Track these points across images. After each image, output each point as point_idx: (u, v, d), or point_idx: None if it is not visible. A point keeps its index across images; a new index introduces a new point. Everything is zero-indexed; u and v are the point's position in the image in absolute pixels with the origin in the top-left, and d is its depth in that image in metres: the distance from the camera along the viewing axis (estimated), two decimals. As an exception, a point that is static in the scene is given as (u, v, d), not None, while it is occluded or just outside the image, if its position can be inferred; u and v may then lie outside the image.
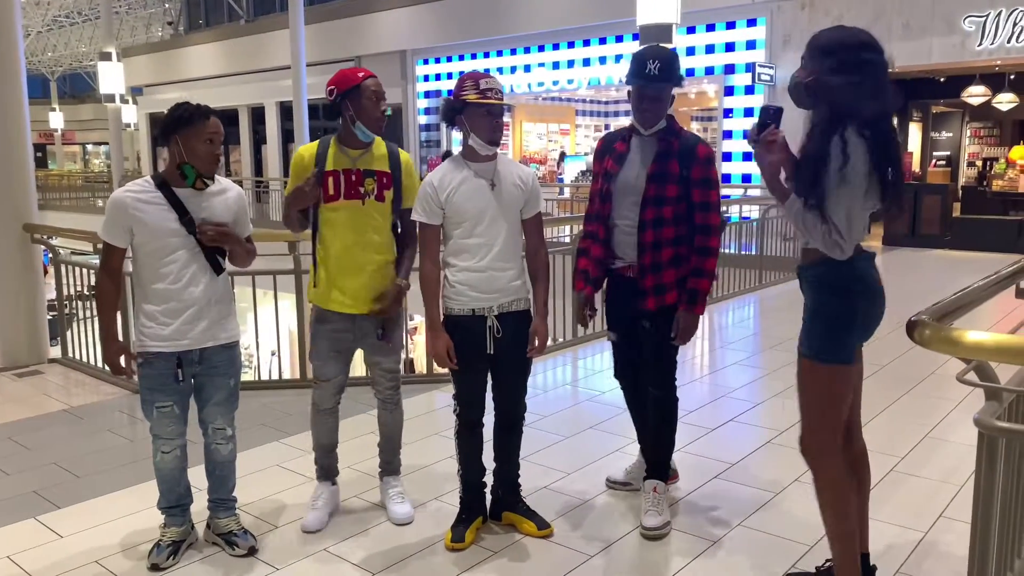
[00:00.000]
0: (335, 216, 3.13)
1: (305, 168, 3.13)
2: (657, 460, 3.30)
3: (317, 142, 3.20)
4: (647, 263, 3.08)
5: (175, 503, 3.06)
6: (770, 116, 2.47)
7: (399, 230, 3.28)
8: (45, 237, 6.24)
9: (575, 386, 5.44)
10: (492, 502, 3.27)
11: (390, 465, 3.42)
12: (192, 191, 2.89)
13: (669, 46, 9.01)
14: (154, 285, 2.89)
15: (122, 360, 2.95)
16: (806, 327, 2.47)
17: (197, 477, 3.18)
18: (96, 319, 5.96)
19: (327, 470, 3.40)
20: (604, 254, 3.21)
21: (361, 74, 3.11)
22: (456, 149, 3.42)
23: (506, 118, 18.27)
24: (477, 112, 2.92)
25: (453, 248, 3.02)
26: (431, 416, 4.70)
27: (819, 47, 2.37)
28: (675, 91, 3.11)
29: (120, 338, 3.04)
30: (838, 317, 2.40)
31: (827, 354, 2.42)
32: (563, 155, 18.67)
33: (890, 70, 2.35)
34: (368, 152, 3.15)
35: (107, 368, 3.00)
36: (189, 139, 2.82)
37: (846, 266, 2.38)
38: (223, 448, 3.10)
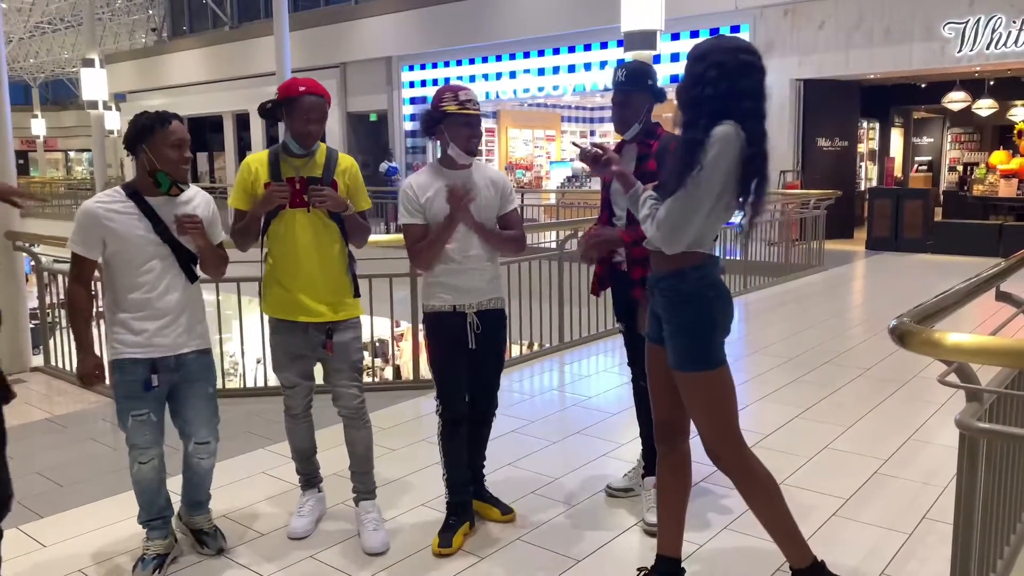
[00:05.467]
0: (284, 226, 3.10)
1: (254, 177, 3.10)
2: (653, 456, 3.33)
3: (266, 152, 3.19)
4: (637, 256, 3.17)
5: (156, 516, 3.02)
6: (588, 158, 2.66)
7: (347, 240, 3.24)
8: (27, 244, 6.20)
9: (561, 391, 5.44)
10: None
11: (364, 487, 3.28)
12: (164, 199, 2.89)
13: (653, 53, 9.06)
14: (129, 295, 2.87)
15: (96, 373, 2.92)
16: (672, 344, 2.49)
17: (177, 485, 3.16)
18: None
19: (309, 477, 3.38)
20: (609, 253, 3.34)
21: (302, 88, 3.06)
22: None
23: (491, 124, 18.34)
24: (457, 122, 3.03)
25: None
26: (417, 422, 4.69)
27: (694, 54, 2.45)
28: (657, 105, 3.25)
29: (96, 350, 3.00)
30: (701, 326, 2.46)
31: (703, 362, 2.47)
32: None
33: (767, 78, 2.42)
34: (312, 160, 3.14)
35: (81, 380, 2.96)
36: (156, 147, 2.81)
37: (698, 274, 2.44)
38: (205, 463, 3.08)
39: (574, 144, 2.81)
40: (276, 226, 3.13)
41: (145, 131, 2.82)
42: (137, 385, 2.89)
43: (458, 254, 3.09)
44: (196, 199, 3.00)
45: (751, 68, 2.37)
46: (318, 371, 3.32)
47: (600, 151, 2.65)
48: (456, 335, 3.11)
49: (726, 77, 2.33)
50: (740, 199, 2.39)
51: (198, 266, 3.02)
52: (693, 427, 2.63)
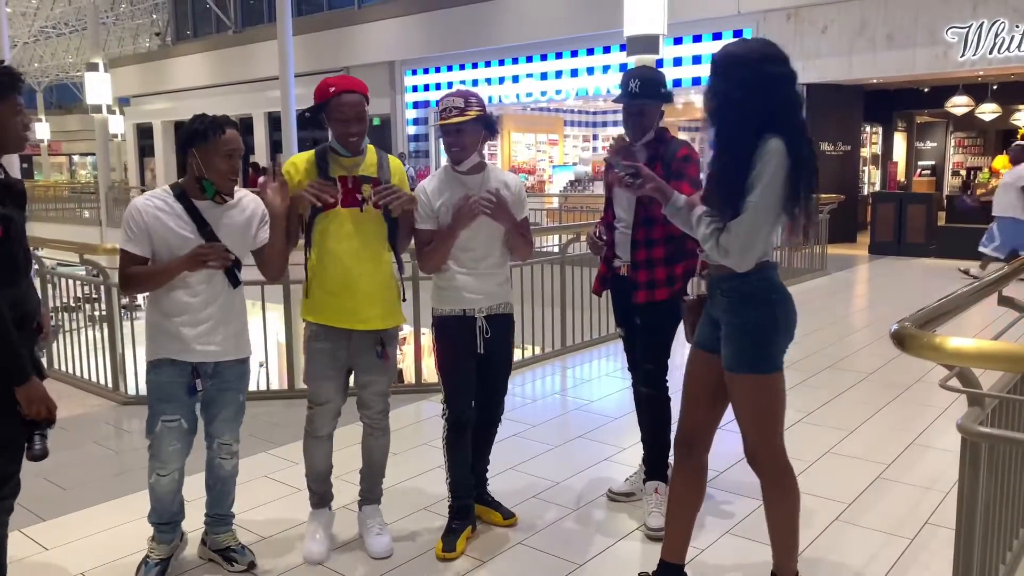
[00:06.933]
0: (333, 225, 2.98)
1: (301, 177, 2.99)
2: (653, 460, 3.38)
3: (312, 152, 3.07)
4: (640, 259, 3.22)
5: (168, 520, 2.98)
6: (623, 183, 2.61)
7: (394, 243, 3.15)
8: (31, 248, 6.21)
9: (563, 395, 5.45)
10: None
11: (371, 494, 3.26)
12: (210, 203, 2.82)
13: (656, 57, 9.07)
14: (172, 299, 2.80)
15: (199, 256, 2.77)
16: (732, 345, 2.47)
17: (191, 488, 3.13)
18: (81, 332, 5.97)
19: (323, 497, 3.24)
20: (610, 255, 3.38)
21: (332, 89, 2.94)
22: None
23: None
24: (441, 132, 3.04)
25: None
26: (419, 426, 4.69)
27: (720, 64, 2.38)
28: (664, 106, 3.25)
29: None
30: (764, 328, 2.44)
31: (764, 365, 2.45)
32: None
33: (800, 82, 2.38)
34: (363, 159, 3.05)
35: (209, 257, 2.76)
36: (207, 154, 2.73)
37: (759, 277, 2.43)
38: (227, 464, 3.03)
39: (606, 160, 2.78)
40: (323, 225, 3.00)
41: (198, 136, 2.73)
42: (174, 387, 2.82)
43: (473, 260, 3.08)
44: (243, 202, 2.91)
45: (784, 78, 2.33)
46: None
47: (635, 169, 2.60)
48: (465, 339, 3.10)
49: (760, 91, 2.29)
50: (795, 209, 2.36)
51: (258, 266, 2.98)
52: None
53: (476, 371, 3.17)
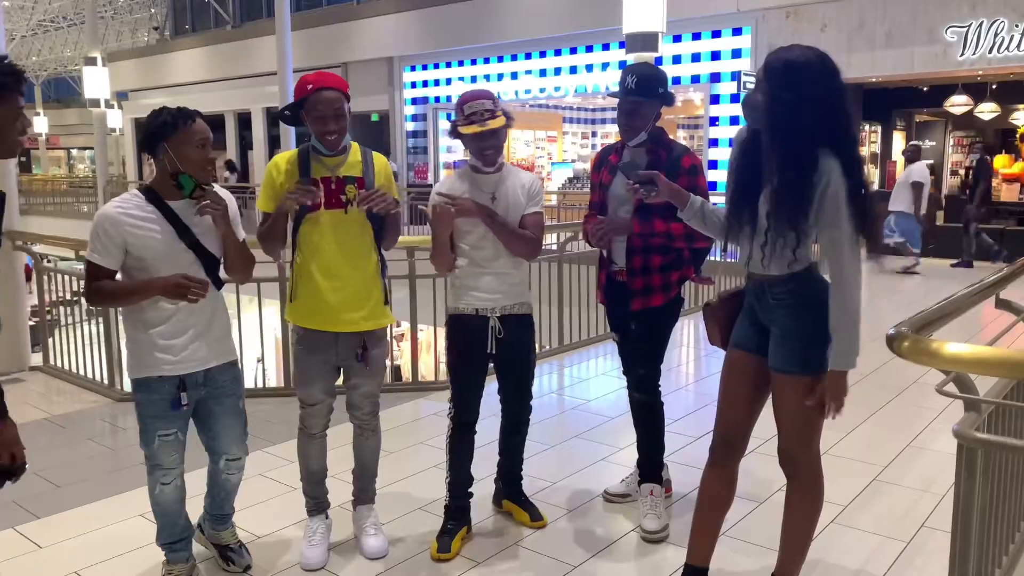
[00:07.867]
0: (316, 228, 2.94)
1: (283, 177, 2.95)
2: (648, 463, 3.37)
3: (295, 150, 3.03)
4: (636, 266, 3.18)
5: (178, 537, 2.89)
6: (638, 175, 2.62)
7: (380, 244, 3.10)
8: (27, 243, 6.19)
9: (560, 394, 5.44)
10: (495, 491, 3.45)
11: (365, 494, 3.23)
12: (185, 202, 2.68)
13: (654, 55, 9.05)
14: (156, 305, 2.67)
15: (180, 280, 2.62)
16: (787, 347, 2.43)
17: (189, 484, 3.10)
18: (79, 326, 5.96)
19: (319, 502, 3.19)
20: (604, 260, 3.34)
21: (310, 86, 2.88)
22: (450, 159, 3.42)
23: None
24: (467, 138, 3.01)
25: (460, 253, 3.10)
26: (416, 424, 4.68)
27: (785, 74, 2.31)
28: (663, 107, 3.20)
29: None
30: (820, 329, 2.41)
31: (817, 366, 2.43)
32: None
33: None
34: (345, 159, 3.00)
35: (182, 285, 2.59)
36: (180, 146, 2.60)
37: (810, 278, 2.42)
38: (234, 478, 2.97)
39: (621, 169, 2.76)
40: (308, 228, 2.96)
41: (168, 128, 2.60)
42: (165, 404, 2.72)
43: (484, 259, 3.04)
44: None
45: (843, 91, 2.31)
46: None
47: (651, 177, 2.59)
48: (477, 339, 3.08)
49: (824, 105, 2.26)
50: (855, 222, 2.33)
51: (223, 270, 2.86)
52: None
53: (497, 373, 3.19)
